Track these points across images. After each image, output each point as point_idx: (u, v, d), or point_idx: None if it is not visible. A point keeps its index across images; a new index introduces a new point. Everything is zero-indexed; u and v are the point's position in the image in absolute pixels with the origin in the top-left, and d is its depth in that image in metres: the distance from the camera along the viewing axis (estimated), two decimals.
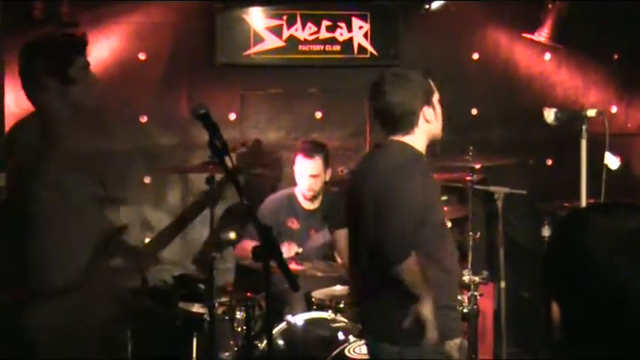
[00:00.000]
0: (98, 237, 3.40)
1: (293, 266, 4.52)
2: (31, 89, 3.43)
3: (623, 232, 1.33)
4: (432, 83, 3.47)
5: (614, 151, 4.39)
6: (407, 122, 3.37)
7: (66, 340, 3.17)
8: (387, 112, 3.38)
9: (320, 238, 5.21)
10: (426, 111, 3.38)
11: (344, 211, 3.73)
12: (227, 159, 2.99)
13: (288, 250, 4.94)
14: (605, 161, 3.89)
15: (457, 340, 3.32)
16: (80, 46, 3.48)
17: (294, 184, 5.28)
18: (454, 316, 3.31)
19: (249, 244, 4.68)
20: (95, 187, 3.48)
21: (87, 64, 3.46)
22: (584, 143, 3.68)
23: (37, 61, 3.40)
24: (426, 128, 3.41)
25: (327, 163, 5.19)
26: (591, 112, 3.71)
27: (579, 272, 1.35)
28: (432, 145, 6.02)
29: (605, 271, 1.32)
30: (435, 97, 3.45)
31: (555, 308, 1.39)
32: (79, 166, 3.48)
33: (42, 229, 3.26)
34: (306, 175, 5.11)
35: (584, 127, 3.68)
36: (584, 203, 3.69)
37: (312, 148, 5.18)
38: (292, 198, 5.26)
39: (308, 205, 5.24)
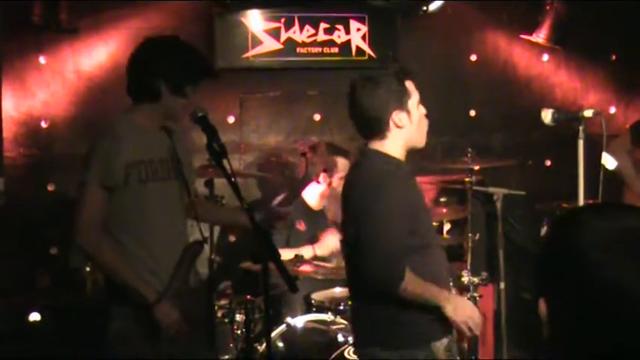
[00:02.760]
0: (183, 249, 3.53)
1: (304, 268, 4.51)
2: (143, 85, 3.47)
3: (615, 230, 1.34)
4: (409, 85, 3.28)
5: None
6: (377, 128, 3.24)
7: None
8: (358, 117, 3.28)
9: (331, 237, 5.13)
10: (397, 116, 3.22)
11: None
12: (225, 162, 3.01)
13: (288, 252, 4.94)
14: (603, 161, 3.90)
15: (444, 341, 3.25)
16: (210, 75, 3.60)
17: (302, 187, 5.24)
18: (438, 317, 3.21)
19: None
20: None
21: (195, 92, 3.51)
22: (581, 144, 3.68)
23: (166, 63, 3.45)
24: (400, 134, 3.26)
25: None
26: (588, 113, 3.70)
27: (570, 270, 1.36)
28: (432, 147, 6.13)
29: (597, 269, 1.32)
30: (412, 101, 3.28)
31: (543, 306, 1.40)
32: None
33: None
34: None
35: (581, 128, 3.67)
36: (581, 204, 3.70)
37: (333, 148, 5.20)
38: (299, 200, 5.24)
39: (315, 205, 5.22)
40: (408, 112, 3.26)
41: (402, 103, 3.24)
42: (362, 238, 3.14)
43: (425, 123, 3.35)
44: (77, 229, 3.33)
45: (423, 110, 3.34)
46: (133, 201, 3.39)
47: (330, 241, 5.05)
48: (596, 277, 1.33)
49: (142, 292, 3.35)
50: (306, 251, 4.97)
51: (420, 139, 3.35)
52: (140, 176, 3.38)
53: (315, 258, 4.95)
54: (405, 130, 3.26)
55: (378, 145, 3.28)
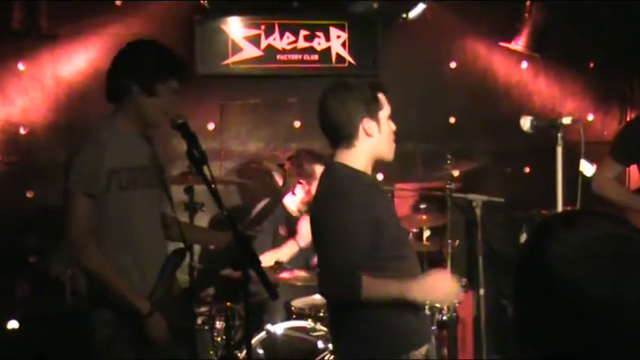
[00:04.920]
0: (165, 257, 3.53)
1: (284, 275, 4.51)
2: (114, 85, 3.47)
3: (583, 241, 1.37)
4: (381, 97, 3.28)
5: (591, 159, 4.43)
6: (345, 134, 3.22)
7: None
8: (327, 123, 3.27)
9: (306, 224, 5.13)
10: (367, 123, 3.21)
11: None
12: (205, 169, 3.01)
13: (268, 259, 4.94)
14: (581, 168, 3.93)
15: (422, 349, 3.24)
16: (181, 70, 3.56)
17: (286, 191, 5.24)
18: (417, 325, 3.24)
19: None
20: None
21: (176, 90, 3.52)
22: (559, 151, 3.71)
23: (135, 63, 3.46)
24: (369, 143, 3.24)
25: None
26: (567, 120, 3.73)
27: (536, 281, 1.40)
28: (412, 154, 6.15)
29: (562, 281, 1.36)
30: (383, 113, 3.28)
31: (511, 310, 1.46)
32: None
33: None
34: None
35: (559, 135, 3.70)
36: (560, 210, 3.72)
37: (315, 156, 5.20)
38: (280, 206, 5.24)
39: (295, 211, 5.23)
40: (378, 122, 3.25)
41: (372, 112, 3.24)
42: (320, 254, 3.20)
43: (393, 138, 3.34)
44: (68, 239, 3.31)
45: (392, 126, 3.33)
46: (114, 209, 3.39)
47: (307, 228, 5.09)
48: (560, 290, 1.36)
49: (134, 303, 3.34)
50: (290, 246, 4.99)
51: (387, 152, 3.33)
52: (121, 183, 3.38)
53: (299, 250, 4.98)
54: (374, 140, 3.25)
55: (344, 156, 3.26)
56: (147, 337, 3.36)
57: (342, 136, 3.24)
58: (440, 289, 3.15)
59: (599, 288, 1.33)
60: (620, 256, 1.35)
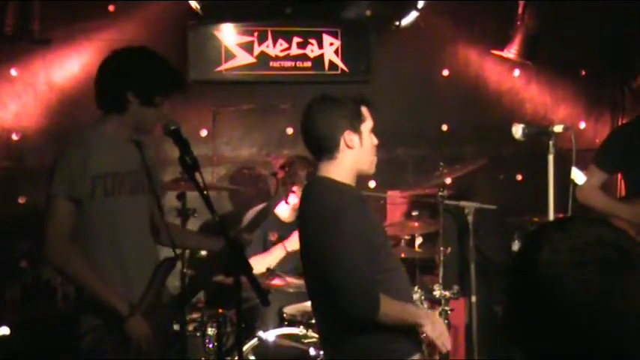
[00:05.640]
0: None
1: (276, 282, 4.50)
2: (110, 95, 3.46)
3: (572, 246, 1.40)
4: (364, 111, 3.30)
5: (583, 167, 4.45)
6: (327, 146, 3.24)
7: None
8: (308, 134, 3.28)
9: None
10: (348, 136, 3.23)
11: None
12: (198, 175, 3.01)
13: (260, 265, 4.94)
14: (572, 176, 3.94)
15: (416, 357, 3.28)
16: (179, 82, 3.59)
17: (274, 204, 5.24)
18: (410, 334, 3.26)
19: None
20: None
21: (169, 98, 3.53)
22: (551, 158, 3.72)
23: (134, 73, 3.46)
24: (350, 155, 3.25)
25: None
26: (558, 128, 3.75)
27: (525, 282, 1.44)
28: (404, 161, 6.15)
29: (549, 284, 1.39)
30: (365, 126, 3.29)
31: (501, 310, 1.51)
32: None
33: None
34: None
35: (551, 143, 3.71)
36: (551, 217, 3.73)
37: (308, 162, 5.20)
38: (271, 213, 5.24)
39: (286, 218, 5.23)
40: (360, 135, 3.27)
41: (354, 125, 3.26)
42: (329, 276, 3.12)
43: (375, 152, 3.36)
44: (45, 242, 3.32)
45: (375, 140, 3.35)
46: (99, 213, 3.38)
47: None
48: (546, 291, 1.40)
49: (113, 304, 3.33)
50: (278, 251, 4.99)
51: (369, 165, 3.35)
52: (106, 188, 3.37)
53: (288, 254, 4.97)
54: (355, 152, 3.27)
55: (328, 169, 3.28)
56: (129, 340, 3.34)
57: (324, 148, 3.26)
58: (444, 331, 3.27)
59: (585, 293, 1.36)
60: (607, 263, 1.38)
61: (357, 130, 3.25)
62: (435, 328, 3.22)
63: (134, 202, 3.49)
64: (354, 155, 3.27)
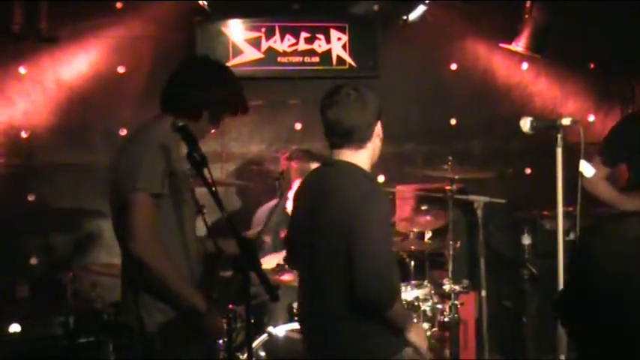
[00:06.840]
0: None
1: (285, 277, 4.50)
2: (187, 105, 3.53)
3: (628, 238, 1.51)
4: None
5: (591, 160, 4.43)
6: (360, 135, 3.26)
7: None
8: (339, 122, 3.26)
9: None
10: (378, 127, 3.31)
11: (292, 222, 3.68)
12: (206, 171, 3.00)
13: (270, 261, 4.94)
14: (580, 169, 3.93)
15: (409, 349, 3.36)
16: (246, 110, 3.74)
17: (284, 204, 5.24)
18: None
19: None
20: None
21: (216, 126, 3.66)
22: (559, 152, 3.71)
23: (216, 94, 3.56)
24: (375, 145, 3.32)
25: None
26: (566, 121, 3.73)
27: (583, 273, 1.55)
28: (413, 155, 6.15)
29: (606, 273, 1.49)
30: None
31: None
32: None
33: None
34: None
35: (559, 136, 3.70)
36: (560, 211, 3.72)
37: (310, 155, 5.19)
38: (282, 210, 5.24)
39: None
40: (382, 126, 3.36)
41: (380, 116, 3.32)
42: (356, 260, 3.08)
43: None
44: (134, 237, 3.26)
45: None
46: (171, 210, 3.39)
47: None
48: (604, 281, 1.49)
49: (194, 301, 3.34)
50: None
51: (378, 155, 3.42)
52: (176, 185, 3.39)
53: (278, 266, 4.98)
54: (378, 142, 3.34)
55: (354, 156, 3.29)
56: (205, 334, 3.44)
57: (355, 137, 3.27)
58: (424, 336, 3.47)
59: (634, 285, 1.46)
60: None
61: (380, 120, 3.33)
62: (419, 338, 3.37)
63: (190, 201, 3.52)
64: (377, 145, 3.34)
